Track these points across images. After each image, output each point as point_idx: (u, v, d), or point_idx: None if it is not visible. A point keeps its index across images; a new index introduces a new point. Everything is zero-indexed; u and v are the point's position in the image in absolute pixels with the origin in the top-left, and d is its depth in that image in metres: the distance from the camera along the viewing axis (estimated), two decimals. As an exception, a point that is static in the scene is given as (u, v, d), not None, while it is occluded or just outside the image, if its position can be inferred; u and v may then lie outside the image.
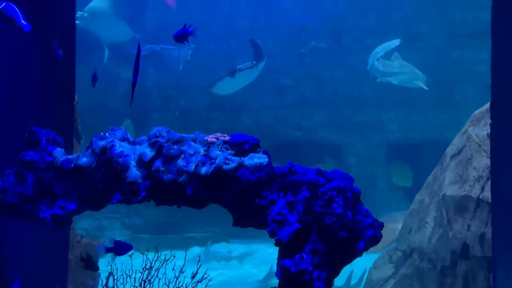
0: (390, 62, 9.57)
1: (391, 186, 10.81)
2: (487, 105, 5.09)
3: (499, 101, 3.61)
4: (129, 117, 10.86)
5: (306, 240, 2.59)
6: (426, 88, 9.10)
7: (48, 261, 3.58)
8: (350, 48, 11.27)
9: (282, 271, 2.54)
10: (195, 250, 8.87)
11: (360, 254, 2.68)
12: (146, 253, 3.09)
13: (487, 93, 5.11)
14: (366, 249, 2.66)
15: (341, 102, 11.43)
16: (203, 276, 3.05)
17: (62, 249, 3.77)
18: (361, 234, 2.63)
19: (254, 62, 9.85)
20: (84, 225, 9.25)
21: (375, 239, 2.65)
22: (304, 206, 2.61)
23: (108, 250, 2.76)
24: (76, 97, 4.34)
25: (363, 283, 7.00)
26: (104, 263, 3.10)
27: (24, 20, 2.58)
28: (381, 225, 2.70)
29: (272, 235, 2.62)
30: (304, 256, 2.53)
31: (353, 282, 8.44)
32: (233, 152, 2.78)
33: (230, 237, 10.10)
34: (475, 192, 4.55)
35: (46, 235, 3.55)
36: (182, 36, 3.44)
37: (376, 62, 8.93)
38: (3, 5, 2.51)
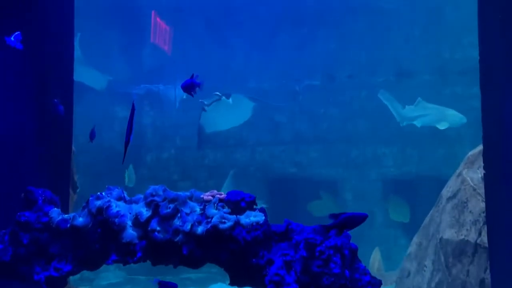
0: (413, 107, 10.09)
1: (389, 222, 10.76)
2: (479, 147, 5.15)
3: (491, 149, 3.67)
4: (123, 154, 10.85)
5: (304, 300, 2.57)
6: (452, 126, 9.37)
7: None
8: (343, 85, 11.47)
9: (281, 334, 2.50)
10: (193, 294, 8.70)
11: (358, 313, 2.65)
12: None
13: (480, 128, 5.19)
14: (365, 308, 2.63)
15: (336, 138, 11.52)
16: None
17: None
18: (360, 293, 2.61)
19: (218, 93, 9.84)
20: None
21: (374, 298, 2.63)
22: (302, 265, 2.60)
23: None
24: (73, 148, 4.36)
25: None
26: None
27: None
28: (379, 283, 2.68)
29: (270, 295, 2.60)
30: (303, 317, 2.50)
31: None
32: (229, 210, 2.78)
33: (226, 278, 9.92)
34: (472, 237, 4.54)
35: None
36: (190, 87, 3.49)
37: (402, 110, 9.43)
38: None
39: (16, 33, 2.73)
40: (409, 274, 5.49)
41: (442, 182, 5.78)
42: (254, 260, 2.66)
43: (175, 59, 11.41)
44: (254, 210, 2.82)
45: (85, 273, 10.20)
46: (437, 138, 11.13)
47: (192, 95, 3.47)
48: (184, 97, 11.41)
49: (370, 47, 11.36)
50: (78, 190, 4.58)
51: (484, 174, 3.71)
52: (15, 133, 3.36)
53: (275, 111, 11.44)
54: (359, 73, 11.38)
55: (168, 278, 10.15)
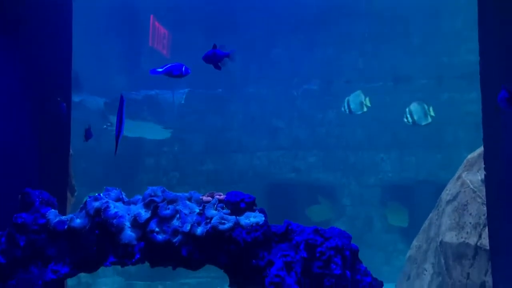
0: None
1: (387, 227, 10.74)
2: (479, 150, 5.15)
3: (492, 150, 3.65)
4: (123, 161, 10.84)
5: (305, 302, 2.54)
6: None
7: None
8: (341, 90, 11.49)
9: (282, 336, 2.47)
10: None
11: (360, 315, 2.62)
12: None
13: (477, 132, 5.18)
14: (366, 310, 2.60)
15: (334, 143, 11.52)
16: None
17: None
18: (361, 294, 2.58)
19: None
20: (75, 273, 9.00)
21: (375, 299, 2.60)
22: (302, 267, 2.57)
23: None
24: (71, 150, 4.33)
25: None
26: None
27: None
28: (380, 284, 2.65)
29: (270, 297, 2.56)
30: (303, 319, 2.46)
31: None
32: (229, 211, 2.76)
33: (226, 283, 9.85)
34: (472, 239, 4.52)
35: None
36: (212, 58, 3.11)
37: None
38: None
39: None
40: (409, 277, 5.46)
41: (440, 187, 5.77)
42: (254, 261, 2.63)
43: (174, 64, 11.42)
44: (254, 211, 2.79)
45: (83, 278, 10.10)
46: (434, 144, 11.15)
47: (220, 68, 3.13)
48: (183, 102, 11.40)
49: (368, 52, 11.40)
50: (76, 194, 4.54)
51: (485, 175, 3.70)
52: (12, 135, 3.33)
53: (273, 116, 11.46)
54: (357, 78, 11.41)
55: (167, 284, 10.11)
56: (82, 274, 9.67)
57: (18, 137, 3.36)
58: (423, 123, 8.15)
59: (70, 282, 5.53)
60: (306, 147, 11.41)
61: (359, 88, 11.46)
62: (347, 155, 11.30)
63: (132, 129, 9.55)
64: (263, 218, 2.72)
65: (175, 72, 3.16)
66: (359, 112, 8.68)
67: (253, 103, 11.49)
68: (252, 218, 2.70)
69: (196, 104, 11.41)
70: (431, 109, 8.18)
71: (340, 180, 11.34)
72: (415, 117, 8.19)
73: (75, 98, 9.87)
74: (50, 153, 3.54)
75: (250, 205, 2.79)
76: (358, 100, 8.48)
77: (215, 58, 3.10)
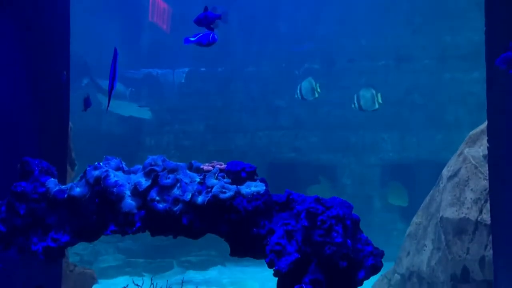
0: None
1: (387, 207, 10.77)
2: (481, 126, 5.12)
3: (496, 123, 3.62)
4: (124, 140, 10.83)
5: (305, 270, 2.53)
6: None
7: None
8: (343, 70, 11.38)
9: (282, 303, 2.48)
10: (191, 274, 8.71)
11: (361, 284, 2.62)
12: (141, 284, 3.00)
13: (478, 113, 5.14)
14: (366, 278, 2.60)
15: (335, 123, 11.47)
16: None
17: (54, 280, 3.67)
18: (362, 263, 2.58)
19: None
20: (77, 249, 9.08)
21: (376, 268, 2.60)
22: (303, 235, 2.56)
23: None
24: (70, 123, 4.30)
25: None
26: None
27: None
28: (381, 254, 2.65)
29: (270, 265, 2.56)
30: (304, 286, 2.47)
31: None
32: (230, 180, 2.74)
33: (226, 261, 9.95)
34: (473, 215, 4.52)
35: (37, 265, 3.46)
36: (204, 20, 3.02)
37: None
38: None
39: None
40: (408, 253, 5.49)
41: (441, 167, 5.75)
42: (255, 229, 2.63)
43: (174, 43, 11.29)
44: (255, 180, 2.78)
45: (85, 256, 10.15)
46: (435, 124, 11.10)
47: (212, 29, 3.05)
48: (183, 81, 11.31)
49: (371, 31, 11.26)
50: (76, 168, 4.52)
51: (488, 147, 3.67)
52: (10, 105, 3.30)
53: (274, 96, 11.38)
54: (359, 58, 11.29)
55: (167, 261, 10.18)
56: (83, 252, 9.77)
57: (17, 107, 3.33)
58: (370, 110, 8.20)
59: (71, 259, 5.55)
60: (307, 127, 11.37)
61: (361, 67, 11.35)
62: (348, 135, 11.28)
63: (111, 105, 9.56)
64: (264, 187, 2.71)
65: (204, 41, 3.10)
66: (370, 110, 8.66)
67: (253, 82, 11.41)
68: (253, 187, 2.69)
69: (196, 83, 11.33)
70: (379, 95, 8.20)
71: (340, 160, 11.34)
72: (362, 103, 8.26)
73: (84, 81, 9.83)
74: (49, 124, 3.51)
75: (251, 175, 2.77)
76: (368, 95, 8.50)
77: (206, 20, 3.03)
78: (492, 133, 3.60)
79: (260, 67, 11.62)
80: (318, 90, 8.63)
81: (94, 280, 4.55)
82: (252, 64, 11.65)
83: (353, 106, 8.33)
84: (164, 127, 11.42)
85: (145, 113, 10.74)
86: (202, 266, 9.32)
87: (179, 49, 11.06)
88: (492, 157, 3.65)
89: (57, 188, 2.72)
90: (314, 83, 8.54)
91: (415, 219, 5.61)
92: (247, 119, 11.68)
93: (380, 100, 8.13)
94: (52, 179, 2.78)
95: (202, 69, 11.52)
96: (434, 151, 10.89)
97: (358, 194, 11.04)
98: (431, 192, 5.54)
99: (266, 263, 2.58)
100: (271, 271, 2.57)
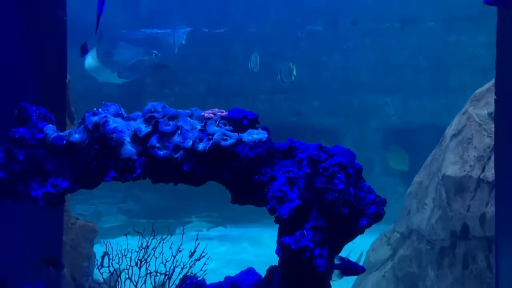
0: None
1: (388, 171, 10.79)
2: (487, 85, 5.02)
3: (505, 79, 3.53)
4: (122, 102, 10.74)
5: (307, 217, 2.52)
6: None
7: (42, 243, 3.50)
8: (347, 31, 11.15)
9: (283, 249, 2.47)
10: (192, 234, 8.82)
11: (362, 232, 2.61)
12: (142, 232, 3.01)
13: (484, 76, 5.04)
14: (368, 226, 2.59)
15: (338, 87, 11.34)
16: (201, 254, 2.99)
17: (56, 231, 3.69)
18: (364, 211, 2.56)
19: None
20: (79, 210, 9.17)
21: (378, 215, 2.58)
22: (305, 182, 2.53)
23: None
24: (68, 76, 4.22)
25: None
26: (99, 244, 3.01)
27: None
28: (383, 202, 2.63)
29: (272, 212, 2.55)
30: (305, 233, 2.46)
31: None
32: (231, 128, 2.69)
33: (227, 222, 10.07)
34: (475, 172, 4.49)
35: (39, 216, 3.47)
36: None
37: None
38: None
39: None
40: (409, 212, 5.50)
41: (443, 131, 5.69)
42: (256, 177, 2.60)
43: (174, 3, 11.02)
44: (257, 128, 2.73)
45: (87, 217, 10.23)
46: (439, 88, 10.96)
47: None
48: (183, 42, 11.11)
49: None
50: (75, 122, 4.48)
51: (495, 99, 3.60)
52: (8, 52, 3.21)
53: (275, 58, 11.19)
54: (364, 20, 11.04)
55: (169, 221, 10.29)
56: (86, 213, 9.81)
57: (15, 54, 3.25)
58: (287, 81, 8.82)
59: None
60: (309, 91, 11.25)
61: (366, 29, 11.09)
62: (351, 98, 11.17)
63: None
64: (266, 135, 2.66)
65: None
66: (288, 82, 9.40)
67: (255, 44, 11.20)
68: (254, 135, 2.64)
69: (197, 45, 11.13)
70: (294, 68, 8.75)
71: (342, 124, 11.28)
72: (283, 75, 8.84)
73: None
74: (47, 74, 3.44)
75: (253, 122, 2.72)
76: (286, 69, 9.27)
77: None
78: (500, 85, 3.52)
79: (261, 28, 11.38)
80: (295, 73, 9.18)
81: (95, 233, 4.59)
82: (253, 25, 11.39)
83: (278, 78, 9.13)
84: (165, 89, 11.31)
85: (116, 79, 10.62)
86: (203, 227, 9.43)
87: (180, 9, 10.80)
88: (499, 110, 3.58)
89: (55, 134, 2.68)
90: (291, 65, 9.07)
91: (416, 178, 5.59)
92: (248, 83, 11.53)
93: (295, 73, 8.96)
94: (50, 125, 2.73)
95: (204, 29, 11.27)
96: (437, 115, 10.80)
97: (359, 158, 11.02)
98: (433, 151, 5.50)
99: (267, 210, 2.57)
100: (269, 234, 2.56)
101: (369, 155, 11.25)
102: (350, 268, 2.51)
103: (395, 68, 11.20)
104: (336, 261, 2.51)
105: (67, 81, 3.96)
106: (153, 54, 10.24)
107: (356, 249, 5.39)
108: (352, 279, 6.44)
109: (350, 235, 2.58)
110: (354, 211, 2.53)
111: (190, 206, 10.30)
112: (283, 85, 11.44)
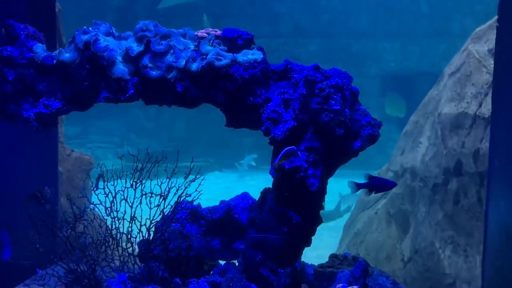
0: None
1: (384, 117, 10.77)
2: (489, 22, 4.90)
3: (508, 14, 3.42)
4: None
5: (301, 138, 2.51)
6: None
7: (38, 173, 3.51)
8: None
9: (276, 169, 2.48)
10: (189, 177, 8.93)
11: (356, 154, 2.61)
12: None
13: (486, 22, 4.92)
14: (362, 148, 2.59)
15: (337, 31, 11.11)
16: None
17: (51, 162, 3.69)
18: (359, 133, 2.55)
19: None
20: (75, 154, 9.19)
21: (373, 137, 2.58)
22: (300, 103, 2.50)
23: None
24: (58, 5, 4.08)
25: (353, 207, 7.11)
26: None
27: None
28: (379, 124, 2.62)
29: (266, 133, 2.54)
30: (299, 153, 2.46)
31: (342, 207, 8.59)
32: (226, 48, 2.62)
33: (223, 167, 10.15)
34: (472, 109, 4.48)
35: (34, 146, 3.45)
36: None
37: None
38: None
39: None
40: (403, 151, 5.54)
41: (442, 78, 5.60)
42: (251, 98, 2.57)
43: None
44: (252, 49, 2.66)
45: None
46: (439, 33, 10.74)
47: None
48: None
49: None
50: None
51: (497, 27, 3.51)
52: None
53: (273, 1, 10.86)
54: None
55: (165, 166, 10.31)
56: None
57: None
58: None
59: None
60: (307, 35, 11.02)
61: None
62: (350, 43, 10.97)
63: None
64: (262, 56, 2.60)
65: None
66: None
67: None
68: (250, 55, 2.58)
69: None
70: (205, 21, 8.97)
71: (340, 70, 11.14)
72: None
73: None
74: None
75: (248, 42, 2.65)
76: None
77: None
78: (503, 19, 3.42)
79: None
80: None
81: (91, 165, 4.61)
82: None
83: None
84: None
85: None
86: (199, 172, 9.51)
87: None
88: (500, 46, 3.49)
89: (45, 53, 2.61)
90: (205, 17, 9.09)
91: (412, 118, 5.59)
92: (245, 26, 11.23)
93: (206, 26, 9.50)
94: (40, 44, 2.65)
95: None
96: (436, 61, 10.66)
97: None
98: (430, 91, 5.47)
99: (262, 131, 2.55)
100: (264, 177, 2.56)
101: (366, 101, 11.17)
102: (379, 185, 2.51)
103: (396, 12, 10.90)
104: (365, 180, 2.51)
105: (57, 10, 3.82)
106: None
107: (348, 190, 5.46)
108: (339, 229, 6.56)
109: (344, 157, 2.58)
110: (349, 133, 2.52)
111: (187, 151, 10.32)
112: (281, 28, 11.20)
